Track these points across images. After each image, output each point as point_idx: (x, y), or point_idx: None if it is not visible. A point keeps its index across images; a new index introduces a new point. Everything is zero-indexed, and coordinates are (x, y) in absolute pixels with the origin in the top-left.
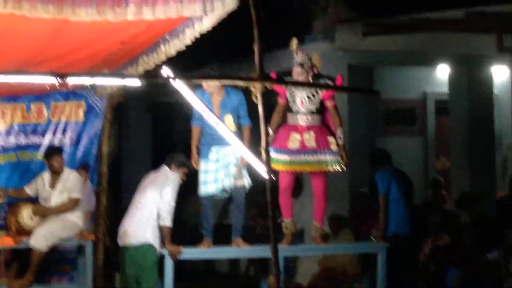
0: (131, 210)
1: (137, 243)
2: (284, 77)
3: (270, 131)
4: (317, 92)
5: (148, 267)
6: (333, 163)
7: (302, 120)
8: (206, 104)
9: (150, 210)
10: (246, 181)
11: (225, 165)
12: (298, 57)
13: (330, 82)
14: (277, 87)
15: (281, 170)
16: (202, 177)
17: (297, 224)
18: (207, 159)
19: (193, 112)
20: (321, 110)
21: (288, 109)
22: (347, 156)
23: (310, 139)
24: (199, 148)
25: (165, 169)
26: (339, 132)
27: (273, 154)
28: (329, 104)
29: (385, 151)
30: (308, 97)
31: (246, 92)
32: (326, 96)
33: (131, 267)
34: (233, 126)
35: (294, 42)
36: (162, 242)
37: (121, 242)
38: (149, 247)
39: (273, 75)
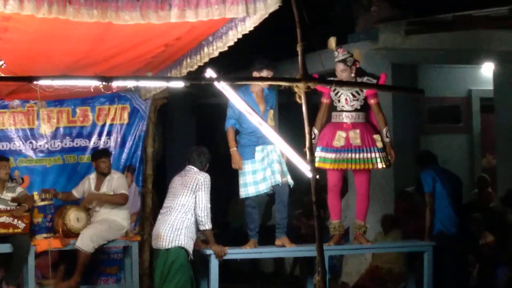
0: (164, 214)
1: (170, 246)
2: (327, 77)
3: (316, 131)
4: (361, 90)
5: (174, 269)
6: (379, 161)
7: (347, 117)
8: (250, 103)
9: (184, 213)
10: (289, 178)
11: (270, 163)
12: (339, 54)
13: (373, 80)
14: (321, 87)
15: (327, 168)
16: (250, 178)
17: (343, 226)
18: (253, 160)
19: (227, 113)
20: (365, 107)
21: (332, 107)
22: (395, 154)
23: (355, 137)
24: (240, 150)
25: (192, 170)
26: (385, 130)
27: (319, 153)
28: (372, 101)
29: (429, 152)
30: (353, 95)
31: (290, 93)
32: (369, 94)
33: (162, 269)
34: (273, 121)
35: (332, 40)
36: (204, 243)
37: (154, 245)
38: (180, 249)
39: (315, 75)
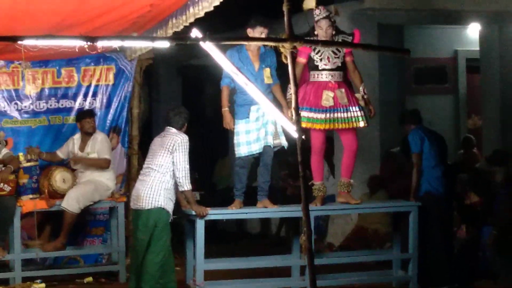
0: (143, 174)
1: (150, 207)
2: (307, 37)
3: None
4: (341, 47)
5: (158, 231)
6: (361, 119)
7: (330, 76)
8: (245, 61)
9: (162, 174)
10: (283, 140)
11: (264, 123)
12: (322, 11)
13: (348, 37)
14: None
15: (316, 129)
16: (244, 137)
17: (325, 186)
18: (247, 119)
19: (223, 72)
20: (343, 66)
21: (311, 67)
22: (374, 109)
23: (342, 96)
24: (234, 108)
25: (170, 131)
26: (362, 87)
27: (307, 113)
28: (348, 59)
29: (417, 111)
30: (334, 53)
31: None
32: (346, 51)
33: (144, 230)
34: (270, 80)
35: (312, 0)
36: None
37: (133, 205)
38: (161, 210)
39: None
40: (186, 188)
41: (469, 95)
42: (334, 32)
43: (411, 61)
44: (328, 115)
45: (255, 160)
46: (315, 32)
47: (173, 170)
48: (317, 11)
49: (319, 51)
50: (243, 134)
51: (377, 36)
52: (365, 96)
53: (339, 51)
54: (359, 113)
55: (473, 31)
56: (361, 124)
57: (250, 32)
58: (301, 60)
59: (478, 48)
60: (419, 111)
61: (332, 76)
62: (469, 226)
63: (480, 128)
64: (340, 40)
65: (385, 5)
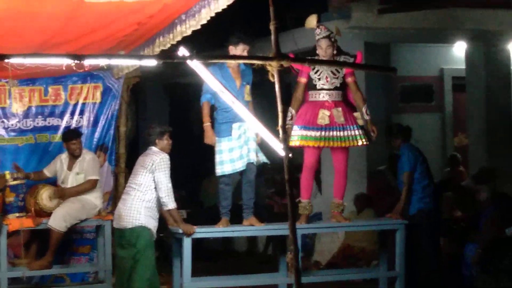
0: (125, 193)
1: (131, 226)
2: (305, 56)
3: (293, 111)
4: (341, 68)
5: (142, 248)
6: (359, 138)
7: (327, 95)
8: (226, 78)
9: (142, 192)
10: (263, 156)
11: (246, 140)
12: (322, 31)
13: (350, 59)
14: (301, 66)
15: (309, 146)
16: (227, 156)
17: (311, 205)
18: (230, 137)
19: (203, 88)
20: (343, 86)
21: (310, 86)
22: (377, 129)
23: (339, 115)
24: (215, 126)
25: (151, 150)
26: (364, 108)
27: (300, 131)
28: (350, 79)
29: (408, 128)
30: (333, 73)
31: (263, 71)
32: (347, 72)
33: (127, 249)
34: (250, 97)
35: (313, 18)
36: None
37: (115, 224)
38: (142, 228)
39: (291, 55)
40: (170, 207)
41: (455, 113)
42: (335, 52)
43: (397, 80)
44: (322, 133)
45: (240, 177)
46: (316, 51)
47: (155, 189)
48: (317, 31)
49: (317, 70)
50: (226, 152)
51: (364, 54)
52: (367, 118)
53: (338, 72)
54: (357, 132)
55: (459, 49)
56: (360, 142)
57: (232, 50)
58: (302, 80)
59: (464, 67)
60: (411, 128)
61: (329, 95)
62: (451, 241)
63: (466, 146)
64: (341, 60)
65: (371, 23)
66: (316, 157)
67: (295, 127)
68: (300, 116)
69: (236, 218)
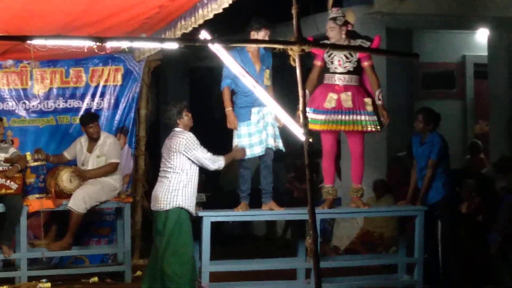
0: (160, 176)
1: (168, 208)
2: (322, 40)
3: (307, 92)
4: (354, 52)
5: (177, 231)
6: (369, 123)
7: (339, 79)
8: (246, 62)
9: (178, 174)
10: (280, 143)
11: (265, 125)
12: (332, 12)
13: (367, 43)
14: (315, 49)
15: (317, 130)
16: (246, 140)
17: (336, 190)
18: (249, 122)
19: (222, 73)
20: (358, 70)
21: (325, 69)
22: (387, 115)
23: (347, 99)
24: (236, 111)
25: (174, 132)
26: (378, 92)
27: (310, 115)
28: (366, 64)
29: (439, 116)
30: (346, 57)
31: (284, 56)
32: (362, 56)
33: (162, 232)
34: (269, 81)
35: (331, 1)
36: (197, 205)
37: (152, 206)
38: (180, 210)
39: (310, 39)
40: (223, 165)
41: (476, 100)
42: (343, 36)
43: (419, 66)
44: (328, 116)
45: (259, 162)
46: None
47: (189, 169)
48: (329, 12)
49: (331, 54)
50: (246, 137)
51: (386, 40)
52: (379, 102)
53: (352, 56)
54: (367, 118)
55: (481, 36)
56: (369, 128)
57: (254, 35)
58: (317, 63)
59: (486, 53)
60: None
61: (342, 79)
62: (471, 232)
63: (487, 133)
64: (356, 46)
65: (393, 9)
66: (331, 142)
67: (308, 110)
68: (312, 99)
69: (254, 203)
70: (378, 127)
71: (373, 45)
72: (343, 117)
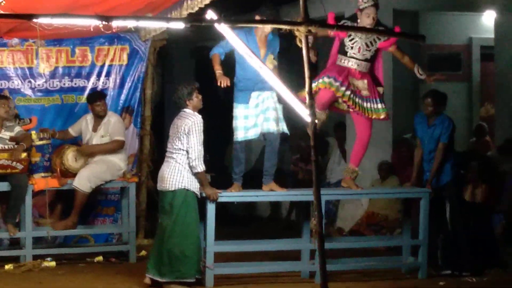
0: (167, 157)
1: (174, 188)
2: (344, 21)
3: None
4: (375, 41)
5: (183, 211)
6: (384, 110)
7: (355, 65)
8: (252, 44)
9: (183, 155)
10: (284, 126)
11: (264, 110)
12: (368, 0)
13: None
14: (339, 32)
15: (331, 90)
16: (241, 122)
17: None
18: (247, 105)
19: (220, 42)
20: (372, 58)
21: (341, 51)
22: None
23: (364, 87)
24: (235, 92)
25: (184, 112)
26: (416, 67)
27: (325, 79)
28: (391, 49)
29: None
30: (366, 45)
31: (290, 37)
32: (383, 46)
33: (168, 212)
34: (271, 65)
35: None
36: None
37: (158, 186)
38: (185, 191)
39: (331, 15)
40: (199, 170)
41: (482, 83)
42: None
43: (425, 48)
44: (349, 92)
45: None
46: (358, 20)
47: (202, 148)
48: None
49: (353, 38)
50: (241, 119)
51: (392, 21)
52: (423, 76)
53: (372, 45)
54: (379, 106)
55: (488, 18)
56: (382, 116)
57: (259, 18)
58: (330, 33)
59: (493, 36)
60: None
61: (358, 65)
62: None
63: (492, 116)
64: (376, 36)
65: None
66: (329, 97)
67: (320, 77)
68: (327, 71)
69: (258, 184)
70: (387, 114)
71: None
72: (360, 101)
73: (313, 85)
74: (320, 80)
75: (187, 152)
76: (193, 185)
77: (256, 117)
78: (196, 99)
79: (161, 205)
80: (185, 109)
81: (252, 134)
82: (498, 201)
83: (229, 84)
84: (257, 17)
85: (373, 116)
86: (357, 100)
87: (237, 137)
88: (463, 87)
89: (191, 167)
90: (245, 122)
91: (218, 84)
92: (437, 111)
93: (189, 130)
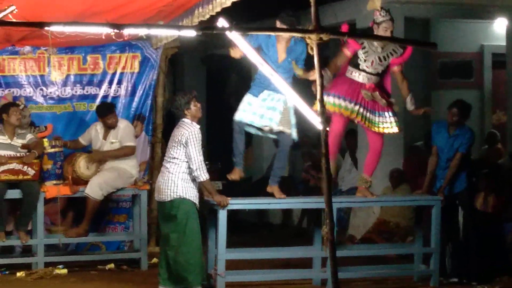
0: (163, 166)
1: (170, 198)
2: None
3: (329, 73)
4: (388, 57)
5: (183, 220)
6: (396, 125)
7: (366, 78)
8: (271, 47)
9: (177, 165)
10: (294, 132)
11: (269, 107)
12: (385, 13)
13: (399, 49)
14: (354, 42)
15: (342, 113)
16: (243, 106)
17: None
18: (256, 96)
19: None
20: (383, 73)
21: (353, 63)
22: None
23: (378, 98)
24: (251, 86)
25: (183, 122)
26: (409, 98)
27: (334, 99)
28: (396, 69)
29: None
30: (379, 59)
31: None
32: (396, 62)
33: (169, 222)
34: (300, 71)
35: (378, 0)
36: (201, 194)
37: (156, 197)
38: (181, 200)
39: (345, 27)
40: (202, 179)
41: (494, 90)
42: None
43: (437, 55)
44: (358, 108)
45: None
46: (375, 33)
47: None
48: (382, 12)
49: (367, 51)
50: (245, 103)
51: (404, 29)
52: (413, 107)
53: (385, 59)
54: (392, 119)
55: (500, 26)
56: (395, 130)
57: (278, 25)
58: (347, 52)
59: (504, 43)
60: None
61: (368, 79)
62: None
63: (504, 123)
64: (390, 51)
65: None
66: (343, 125)
67: (329, 94)
68: (336, 86)
69: (266, 191)
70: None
71: (404, 55)
72: (372, 116)
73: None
74: (331, 100)
75: (189, 163)
76: (189, 194)
77: (259, 107)
78: (195, 108)
79: (160, 215)
80: (183, 119)
81: (249, 119)
82: (508, 210)
83: (241, 54)
84: (278, 24)
85: (385, 131)
86: (368, 115)
87: (235, 117)
88: (474, 95)
89: (195, 178)
90: (246, 106)
91: (232, 54)
92: (461, 122)
93: (186, 141)
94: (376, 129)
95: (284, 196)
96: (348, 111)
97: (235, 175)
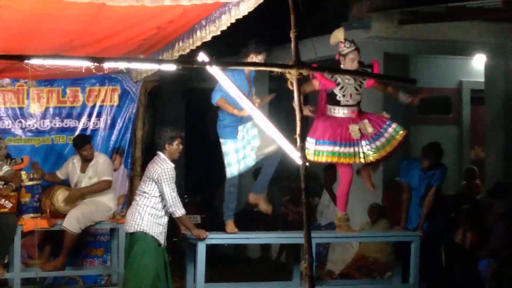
0: (134, 199)
1: (132, 230)
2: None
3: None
4: (362, 83)
5: (138, 255)
6: (398, 133)
7: (349, 112)
8: (242, 82)
9: (147, 198)
10: (276, 147)
11: (249, 139)
12: (351, 44)
13: (368, 70)
14: (327, 81)
15: (345, 163)
16: (233, 157)
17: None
18: (235, 139)
19: (215, 88)
20: (361, 99)
21: (333, 101)
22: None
23: (365, 127)
24: (221, 128)
25: (158, 157)
26: (401, 92)
27: (331, 147)
28: (376, 85)
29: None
30: (356, 89)
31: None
32: (370, 84)
33: (129, 254)
34: (257, 102)
35: (341, 33)
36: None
37: (124, 228)
38: (143, 235)
39: (314, 65)
40: (178, 215)
41: (472, 126)
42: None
43: (416, 91)
44: (356, 149)
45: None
46: (341, 65)
47: (160, 197)
48: (347, 44)
49: (343, 87)
50: (233, 154)
51: (383, 65)
52: (408, 99)
53: (360, 87)
54: (393, 127)
55: (478, 62)
56: (401, 136)
57: (253, 58)
58: (316, 83)
59: (483, 80)
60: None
61: (352, 112)
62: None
63: (482, 159)
64: (361, 78)
65: (391, 34)
66: (352, 172)
67: (323, 142)
68: (325, 130)
69: (247, 225)
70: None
71: (374, 71)
72: (368, 146)
73: (312, 147)
74: (329, 149)
75: (163, 200)
76: (153, 230)
77: (244, 149)
78: (176, 147)
79: (125, 249)
80: (160, 153)
81: (243, 166)
82: (485, 246)
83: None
84: (251, 55)
85: (392, 144)
86: (365, 150)
87: (232, 172)
88: (453, 130)
89: (172, 214)
90: (236, 156)
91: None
92: (436, 162)
93: (158, 178)
94: (383, 152)
95: (236, 231)
96: (351, 158)
97: (229, 227)
